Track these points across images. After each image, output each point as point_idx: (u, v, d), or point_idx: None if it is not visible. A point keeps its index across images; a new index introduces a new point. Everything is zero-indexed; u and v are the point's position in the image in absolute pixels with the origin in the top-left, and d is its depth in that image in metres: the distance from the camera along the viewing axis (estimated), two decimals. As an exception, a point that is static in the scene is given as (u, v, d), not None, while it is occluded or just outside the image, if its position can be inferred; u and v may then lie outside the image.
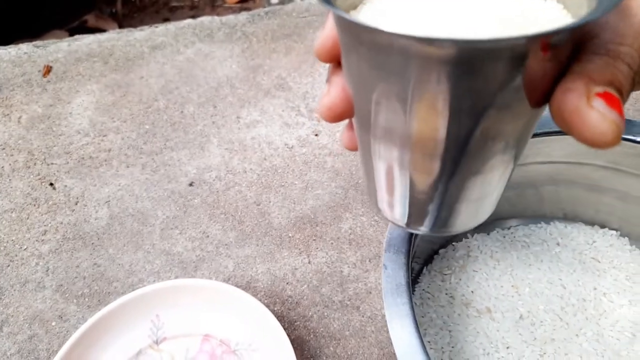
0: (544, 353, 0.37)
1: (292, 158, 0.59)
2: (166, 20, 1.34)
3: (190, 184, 0.57)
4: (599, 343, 0.37)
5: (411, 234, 0.34)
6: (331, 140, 0.61)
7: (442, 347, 0.39)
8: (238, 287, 0.44)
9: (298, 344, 0.45)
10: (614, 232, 0.46)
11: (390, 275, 0.32)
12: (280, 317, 0.46)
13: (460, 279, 0.43)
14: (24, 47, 0.76)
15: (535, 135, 0.39)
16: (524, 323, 0.39)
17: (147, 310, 0.45)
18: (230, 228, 0.53)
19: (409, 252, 0.33)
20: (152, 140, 0.62)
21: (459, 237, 0.46)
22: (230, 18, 0.79)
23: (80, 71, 0.72)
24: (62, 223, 0.54)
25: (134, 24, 0.98)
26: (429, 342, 0.39)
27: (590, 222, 0.47)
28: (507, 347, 0.37)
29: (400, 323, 0.29)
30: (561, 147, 0.40)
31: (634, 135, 0.38)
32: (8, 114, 0.66)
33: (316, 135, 0.62)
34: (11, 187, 0.58)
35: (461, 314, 0.40)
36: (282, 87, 0.68)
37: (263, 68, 0.71)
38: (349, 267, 0.50)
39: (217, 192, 0.57)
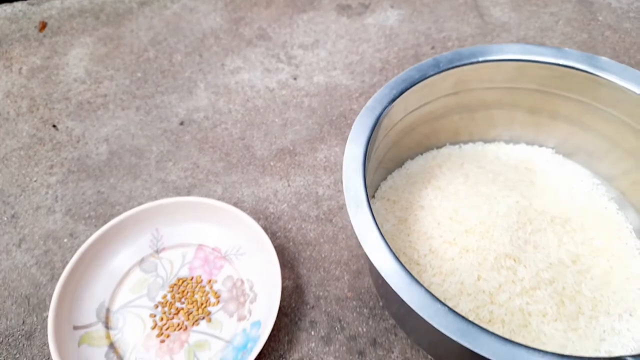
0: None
1: (272, 99, 0.66)
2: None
3: (181, 123, 0.64)
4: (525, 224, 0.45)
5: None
6: (308, 83, 0.67)
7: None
8: (226, 202, 0.51)
9: (279, 250, 0.52)
10: (549, 150, 0.53)
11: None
12: (263, 229, 0.53)
13: (411, 188, 0.50)
14: (19, 5, 0.80)
15: (477, 62, 0.46)
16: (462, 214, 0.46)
17: (148, 224, 0.51)
18: (218, 159, 0.60)
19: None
20: (144, 86, 0.68)
21: (412, 156, 0.53)
22: (213, -25, 0.84)
23: (73, 26, 0.76)
24: (66, 158, 0.60)
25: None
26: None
27: (532, 143, 0.54)
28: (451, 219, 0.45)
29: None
30: (501, 73, 0.47)
31: (555, 58, 0.45)
32: (9, 66, 0.71)
33: (295, 79, 0.68)
34: (17, 129, 0.64)
35: (408, 209, 0.47)
36: (263, 37, 0.74)
37: (245, 20, 0.76)
38: (323, 188, 0.57)
39: (206, 129, 0.63)
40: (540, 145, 0.54)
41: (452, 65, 0.45)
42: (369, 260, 0.34)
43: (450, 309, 0.31)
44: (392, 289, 0.32)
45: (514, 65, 0.46)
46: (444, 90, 0.47)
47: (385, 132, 0.45)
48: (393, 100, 0.42)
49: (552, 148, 0.53)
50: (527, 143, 0.54)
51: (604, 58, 0.44)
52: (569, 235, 0.45)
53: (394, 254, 0.34)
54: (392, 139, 0.47)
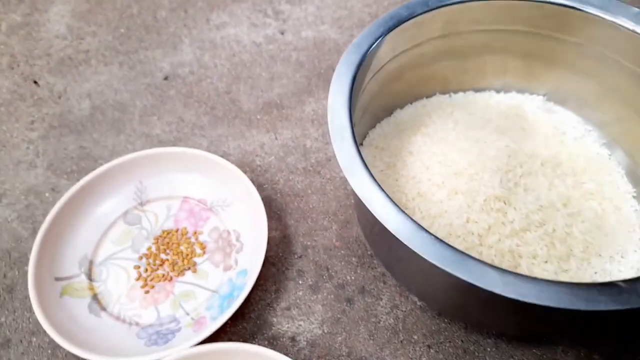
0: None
1: (259, 54, 0.64)
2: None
3: (165, 78, 0.62)
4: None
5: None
6: (296, 38, 0.66)
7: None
8: (211, 152, 0.50)
9: (267, 202, 0.51)
10: (540, 97, 0.52)
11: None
12: (250, 181, 0.52)
13: (400, 135, 0.48)
14: (-4, -38, 0.77)
15: (465, 1, 0.44)
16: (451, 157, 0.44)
17: (132, 176, 0.50)
18: (204, 113, 0.58)
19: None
20: (127, 42, 0.66)
21: (401, 105, 0.52)
22: None
23: (53, -17, 0.74)
24: (47, 114, 0.59)
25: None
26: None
27: (523, 92, 0.53)
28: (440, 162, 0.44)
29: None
30: (490, 13, 0.45)
31: (550, -5, 0.43)
32: (-13, 23, 0.69)
33: (282, 33, 0.66)
34: (-3, 86, 0.62)
35: (397, 155, 0.46)
36: (250, -7, 0.72)
37: (231, -25, 0.74)
38: (311, 141, 0.55)
39: (191, 84, 0.61)
40: (532, 93, 0.52)
41: (441, 3, 0.44)
42: (357, 202, 0.33)
43: (438, 239, 0.30)
44: (378, 221, 0.31)
45: (503, 4, 0.45)
46: (434, 31, 0.46)
47: (373, 74, 0.44)
48: (380, 37, 0.41)
49: (544, 95, 0.52)
50: (518, 91, 0.53)
51: (596, -6, 0.43)
52: (559, 178, 0.44)
53: (378, 184, 0.33)
54: (380, 82, 0.46)
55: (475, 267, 0.29)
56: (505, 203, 0.41)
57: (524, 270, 0.39)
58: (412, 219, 0.31)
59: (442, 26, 0.45)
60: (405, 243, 0.30)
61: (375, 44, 0.41)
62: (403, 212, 0.31)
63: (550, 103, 0.51)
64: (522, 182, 0.42)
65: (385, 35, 0.42)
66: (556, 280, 0.28)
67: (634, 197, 0.45)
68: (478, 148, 0.44)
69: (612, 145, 0.48)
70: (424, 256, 0.29)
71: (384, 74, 0.46)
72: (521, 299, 0.28)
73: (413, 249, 0.29)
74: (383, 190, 0.32)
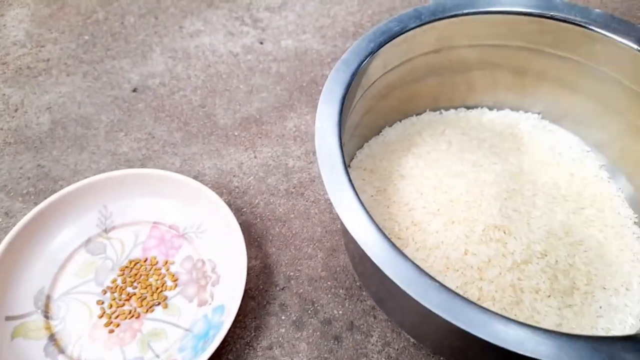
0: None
1: (236, 64, 0.60)
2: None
3: (134, 90, 0.57)
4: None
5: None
6: (276, 48, 0.62)
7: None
8: (184, 173, 0.45)
9: (245, 227, 0.47)
10: (536, 115, 0.49)
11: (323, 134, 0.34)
12: (227, 205, 0.47)
13: (390, 156, 0.45)
14: (-52, -40, 0.71)
15: (462, 15, 0.41)
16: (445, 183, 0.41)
17: (95, 200, 0.45)
18: (176, 129, 0.54)
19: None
20: (92, 50, 0.61)
21: (390, 123, 0.49)
22: None
23: (11, -16, 0.68)
24: (2, 129, 0.53)
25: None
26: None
27: (516, 109, 0.50)
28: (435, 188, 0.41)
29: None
30: (484, 27, 0.43)
31: (548, 10, 0.41)
32: None
33: (261, 43, 0.62)
34: (-55, 97, 0.56)
35: (387, 179, 0.43)
36: (226, -1, 0.67)
37: (206, -20, 0.70)
38: (293, 160, 0.52)
39: (162, 96, 0.57)
40: (526, 111, 0.50)
41: (435, 17, 0.41)
42: (345, 230, 0.30)
43: (440, 284, 0.27)
44: (373, 263, 0.28)
45: (501, 18, 0.42)
46: (426, 46, 0.42)
47: (362, 92, 0.40)
48: (371, 53, 0.38)
49: (538, 113, 0.49)
50: (512, 109, 0.50)
51: (599, 11, 0.40)
52: (559, 204, 0.41)
53: (374, 221, 0.29)
54: (369, 101, 0.43)
55: (477, 317, 0.26)
56: (505, 233, 0.38)
57: (526, 306, 0.36)
58: (413, 262, 0.27)
59: (435, 41, 0.42)
60: (406, 291, 0.26)
61: (366, 61, 0.38)
62: (402, 253, 0.28)
63: (546, 121, 0.49)
64: (522, 209, 0.39)
65: (376, 51, 0.38)
66: (573, 334, 0.25)
67: (635, 222, 0.43)
68: (475, 172, 0.41)
69: (611, 168, 0.45)
70: (428, 306, 0.26)
71: (374, 91, 0.42)
72: (536, 357, 0.24)
73: (416, 298, 0.26)
74: (380, 229, 0.29)
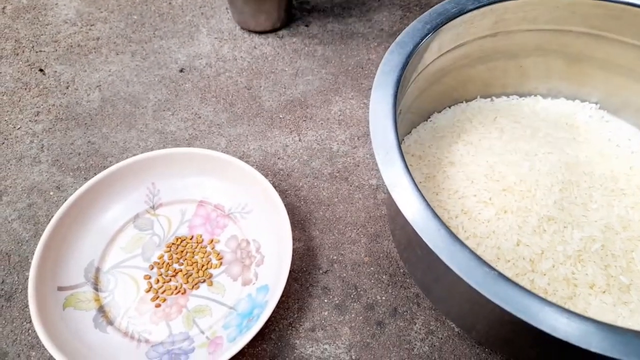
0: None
1: (282, 47, 0.60)
2: None
3: (181, 70, 0.58)
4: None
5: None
6: (322, 31, 0.61)
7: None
8: (231, 154, 0.45)
9: (289, 209, 0.47)
10: (593, 105, 0.47)
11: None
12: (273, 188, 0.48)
13: (439, 143, 0.44)
14: (4, -60, 0.73)
15: (522, -4, 0.40)
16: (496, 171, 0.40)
17: (143, 177, 0.46)
18: (222, 110, 0.54)
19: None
20: (140, 30, 0.62)
21: (439, 109, 0.47)
22: None
23: (63, -36, 0.69)
24: (54, 105, 0.55)
25: None
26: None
27: (572, 98, 0.48)
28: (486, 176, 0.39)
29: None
30: (547, 11, 0.41)
31: (617, -6, 0.39)
32: (-8, 5, 0.65)
33: (306, 25, 0.62)
34: (0, 73, 0.58)
35: (437, 166, 0.42)
36: (272, -20, 0.67)
37: (252, -39, 0.69)
38: (338, 144, 0.51)
39: (208, 77, 0.57)
40: (583, 100, 0.48)
41: (494, -1, 0.39)
42: (393, 216, 0.29)
43: (500, 273, 0.26)
44: (425, 249, 0.27)
45: (564, 1, 0.40)
46: (482, 29, 0.41)
47: (415, 76, 0.39)
48: (426, 35, 0.37)
49: (596, 103, 0.47)
50: (567, 97, 0.48)
51: (672, -6, 0.38)
52: (617, 198, 0.40)
53: (430, 207, 0.28)
54: (420, 85, 0.42)
55: (538, 309, 0.25)
56: (560, 225, 0.37)
57: (580, 301, 0.35)
58: (469, 249, 0.27)
59: (492, 24, 0.41)
60: (465, 279, 0.26)
61: (421, 43, 0.37)
62: (461, 241, 0.27)
63: (604, 111, 0.47)
64: (579, 201, 0.38)
65: (432, 33, 0.37)
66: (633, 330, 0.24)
67: (697, 220, 0.41)
68: (529, 162, 0.40)
69: (672, 162, 0.43)
70: (482, 292, 0.25)
71: (425, 75, 0.41)
72: (601, 352, 0.24)
73: (475, 287, 0.25)
74: (437, 215, 0.28)
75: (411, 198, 0.29)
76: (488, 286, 0.26)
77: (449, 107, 0.48)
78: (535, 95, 0.49)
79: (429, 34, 0.37)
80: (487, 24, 0.41)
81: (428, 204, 0.29)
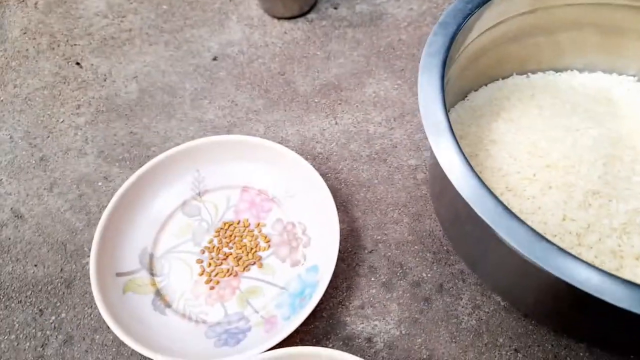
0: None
1: (312, 30, 0.60)
2: None
3: (214, 59, 0.58)
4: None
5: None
6: (350, 12, 0.61)
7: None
8: (273, 139, 0.46)
9: (331, 192, 0.48)
10: (631, 77, 0.47)
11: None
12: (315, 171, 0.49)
13: (479, 121, 0.45)
14: None
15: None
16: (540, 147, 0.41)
17: (188, 165, 0.48)
18: (258, 96, 0.55)
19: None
20: (171, 20, 0.62)
21: (475, 87, 0.48)
22: None
23: (89, -44, 0.70)
24: (94, 97, 0.56)
25: None
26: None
27: (609, 71, 0.48)
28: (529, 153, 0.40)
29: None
30: (587, -15, 0.41)
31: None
32: (23, 0, 0.66)
33: (335, 8, 0.62)
34: (39, 68, 0.59)
35: (478, 145, 0.42)
36: (297, -36, 0.67)
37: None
38: (374, 126, 0.52)
39: (241, 64, 0.58)
40: (620, 73, 0.48)
41: (536, -25, 0.39)
42: (438, 194, 0.30)
43: (558, 247, 0.27)
44: (486, 225, 0.28)
45: (604, -25, 0.40)
46: (522, 6, 0.41)
47: (457, 56, 0.40)
48: (469, 14, 0.37)
49: (634, 76, 0.47)
50: (604, 71, 0.48)
51: None
52: (661, 170, 0.40)
53: (486, 185, 0.29)
54: (459, 66, 0.42)
55: (594, 278, 0.26)
56: (605, 199, 0.37)
57: (626, 273, 0.36)
58: (526, 224, 0.28)
59: (532, 1, 0.41)
60: (523, 253, 0.27)
61: (464, 23, 0.37)
62: (517, 216, 0.28)
63: (642, 84, 0.47)
64: (623, 175, 0.38)
65: (474, 12, 0.37)
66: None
67: None
68: (572, 137, 0.40)
69: None
70: (542, 266, 0.26)
71: (466, 55, 0.42)
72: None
73: (534, 260, 0.26)
74: (493, 193, 0.29)
75: (467, 178, 0.30)
76: (548, 260, 0.26)
77: (485, 85, 0.48)
78: (572, 70, 0.49)
79: (471, 13, 0.37)
80: (526, 1, 0.41)
81: (483, 183, 0.30)
